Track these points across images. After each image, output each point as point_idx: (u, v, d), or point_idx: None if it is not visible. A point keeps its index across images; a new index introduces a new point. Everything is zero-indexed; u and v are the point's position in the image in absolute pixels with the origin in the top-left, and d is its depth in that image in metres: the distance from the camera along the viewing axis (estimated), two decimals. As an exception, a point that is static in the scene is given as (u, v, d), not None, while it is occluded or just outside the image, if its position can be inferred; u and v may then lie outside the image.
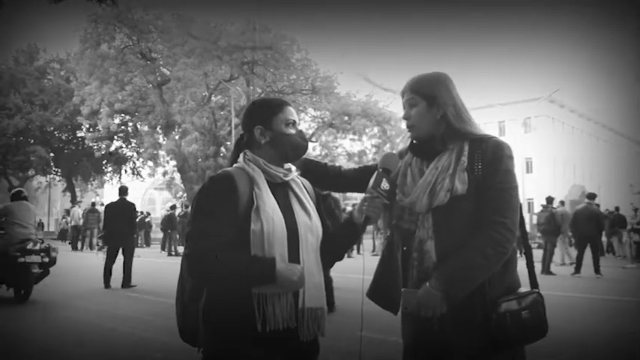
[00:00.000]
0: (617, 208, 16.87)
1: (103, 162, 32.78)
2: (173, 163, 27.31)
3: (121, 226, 8.75)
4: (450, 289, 1.55)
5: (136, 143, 30.90)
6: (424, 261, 1.64)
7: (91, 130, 27.90)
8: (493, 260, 1.56)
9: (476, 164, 1.62)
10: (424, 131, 1.72)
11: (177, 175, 28.60)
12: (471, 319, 1.57)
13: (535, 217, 17.07)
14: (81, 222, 19.21)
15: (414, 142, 1.78)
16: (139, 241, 19.88)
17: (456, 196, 1.60)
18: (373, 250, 15.86)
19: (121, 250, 8.75)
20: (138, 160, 31.91)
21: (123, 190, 9.12)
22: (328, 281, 5.97)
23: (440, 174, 1.64)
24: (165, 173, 30.13)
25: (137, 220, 11.05)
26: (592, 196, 11.05)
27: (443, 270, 1.57)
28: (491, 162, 1.62)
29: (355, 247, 14.91)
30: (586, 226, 10.42)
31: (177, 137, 25.42)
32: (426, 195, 1.64)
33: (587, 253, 10.40)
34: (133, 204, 9.24)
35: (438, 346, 1.62)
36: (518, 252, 1.92)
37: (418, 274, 1.65)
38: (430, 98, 1.70)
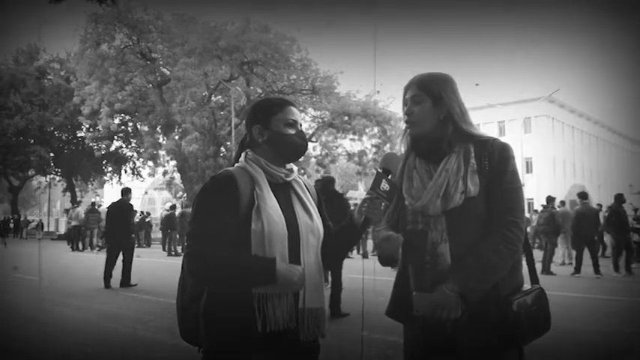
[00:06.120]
0: (618, 208, 16.85)
1: (103, 162, 32.77)
2: (173, 163, 27.26)
3: (121, 227, 8.84)
4: (466, 289, 1.56)
5: (136, 143, 30.87)
6: (438, 264, 1.63)
7: (91, 130, 27.88)
8: (507, 259, 1.59)
9: (484, 166, 1.65)
10: (425, 130, 1.73)
11: (177, 175, 28.56)
12: (487, 319, 1.58)
13: (535, 217, 17.05)
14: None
15: (417, 142, 1.78)
16: (140, 241, 19.88)
17: (469, 197, 1.62)
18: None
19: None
20: (138, 160, 31.89)
21: (123, 191, 9.28)
22: (337, 287, 5.95)
23: (451, 176, 1.65)
24: (165, 173, 30.07)
25: (137, 220, 11.10)
26: (584, 196, 11.01)
27: (459, 271, 1.58)
28: (499, 163, 1.65)
29: (355, 247, 14.86)
30: (587, 226, 10.42)
31: (177, 137, 25.37)
32: (439, 198, 1.64)
33: (587, 254, 10.40)
34: (131, 204, 9.38)
35: (448, 348, 1.63)
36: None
37: (431, 277, 1.64)
38: (436, 97, 1.71)
